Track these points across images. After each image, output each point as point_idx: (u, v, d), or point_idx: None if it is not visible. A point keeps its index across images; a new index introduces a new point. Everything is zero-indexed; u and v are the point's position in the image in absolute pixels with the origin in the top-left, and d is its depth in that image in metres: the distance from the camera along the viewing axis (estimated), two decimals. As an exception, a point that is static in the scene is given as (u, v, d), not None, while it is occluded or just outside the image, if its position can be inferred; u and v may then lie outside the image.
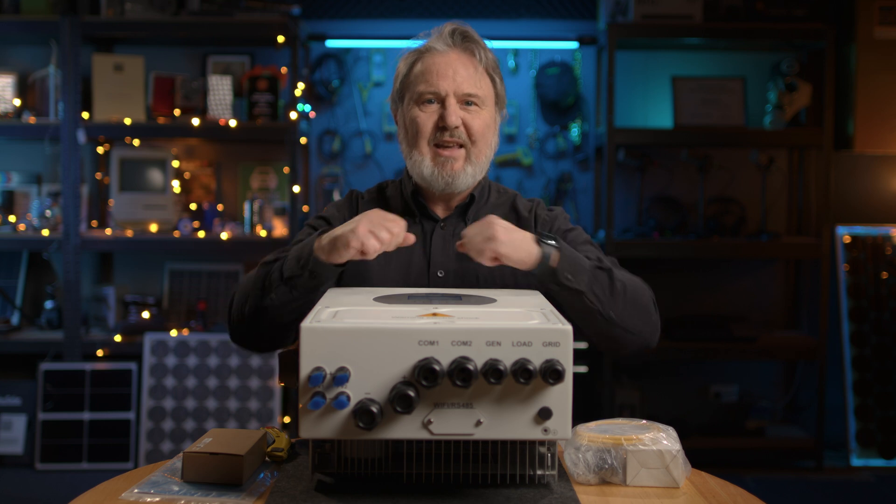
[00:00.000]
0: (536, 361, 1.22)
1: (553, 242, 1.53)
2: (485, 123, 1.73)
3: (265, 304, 1.60)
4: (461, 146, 1.72)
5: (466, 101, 1.72)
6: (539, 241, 1.53)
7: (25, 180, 4.17)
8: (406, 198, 1.80)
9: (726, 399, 4.19)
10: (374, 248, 1.48)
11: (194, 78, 4.06)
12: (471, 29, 1.76)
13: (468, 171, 1.73)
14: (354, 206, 1.84)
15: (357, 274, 1.73)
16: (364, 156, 4.25)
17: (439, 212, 1.79)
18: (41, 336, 3.97)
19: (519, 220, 1.80)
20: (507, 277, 1.72)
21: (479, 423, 1.23)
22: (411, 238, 1.55)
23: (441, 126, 1.70)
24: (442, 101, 1.71)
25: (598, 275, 1.57)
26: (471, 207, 1.79)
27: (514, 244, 1.51)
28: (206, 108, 3.94)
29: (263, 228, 3.99)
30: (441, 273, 1.73)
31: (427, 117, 1.71)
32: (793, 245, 3.98)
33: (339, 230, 1.52)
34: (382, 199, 1.84)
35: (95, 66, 3.94)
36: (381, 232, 1.49)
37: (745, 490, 1.41)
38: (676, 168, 4.21)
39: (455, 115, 1.70)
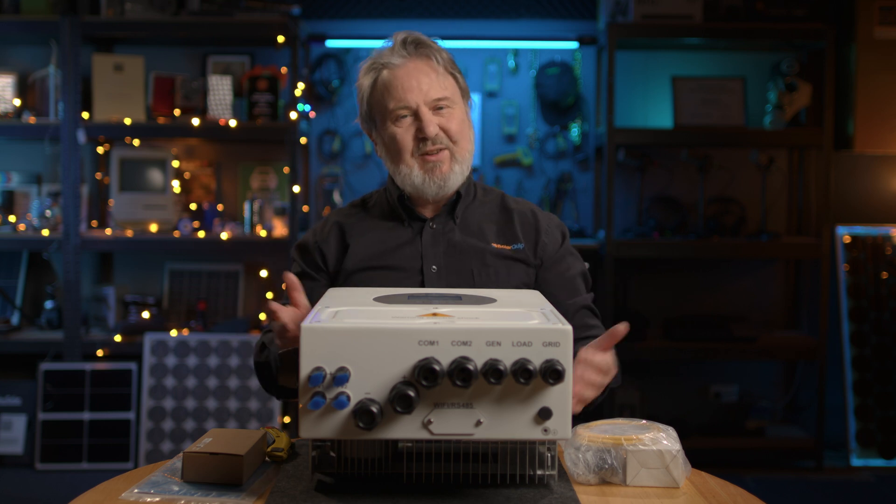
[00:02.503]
0: (536, 361, 1.22)
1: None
2: (460, 121, 1.76)
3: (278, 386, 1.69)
4: (444, 148, 1.75)
5: (437, 106, 1.74)
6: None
7: (25, 180, 4.17)
8: (392, 203, 1.83)
9: (726, 399, 4.19)
10: (278, 319, 1.48)
11: (194, 78, 4.06)
12: (420, 34, 1.78)
13: (456, 170, 1.76)
14: (331, 226, 1.84)
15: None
16: (364, 156, 4.25)
17: (427, 213, 1.82)
18: (41, 336, 3.97)
19: (511, 217, 1.83)
20: (501, 273, 1.74)
21: (479, 423, 1.23)
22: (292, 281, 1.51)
23: (421, 137, 1.73)
24: (415, 113, 1.73)
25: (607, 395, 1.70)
26: (458, 205, 1.82)
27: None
28: (206, 108, 3.94)
29: (263, 228, 3.99)
30: (434, 268, 1.76)
31: (405, 132, 1.74)
32: (793, 245, 3.97)
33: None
34: (364, 209, 1.87)
35: (95, 66, 3.94)
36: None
37: (745, 490, 1.41)
38: (676, 168, 4.21)
39: (432, 124, 1.72)
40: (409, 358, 1.22)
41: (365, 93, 1.78)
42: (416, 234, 1.79)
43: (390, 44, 1.77)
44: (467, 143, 1.78)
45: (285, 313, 1.48)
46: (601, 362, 1.50)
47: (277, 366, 1.60)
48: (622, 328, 1.46)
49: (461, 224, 1.81)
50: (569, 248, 1.85)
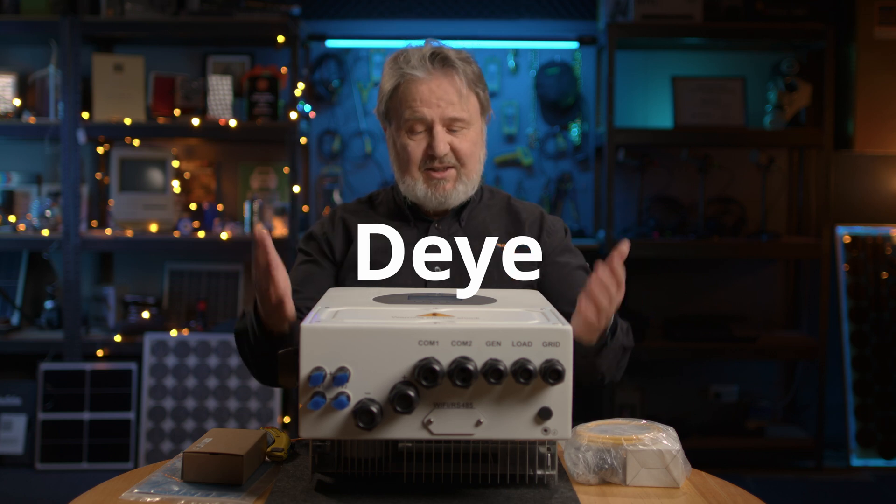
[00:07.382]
0: (536, 361, 1.22)
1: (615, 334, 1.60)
2: (472, 143, 1.77)
3: (255, 364, 1.66)
4: (451, 167, 1.76)
5: (452, 126, 1.75)
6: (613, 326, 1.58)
7: (25, 180, 4.17)
8: (399, 203, 1.84)
9: (726, 399, 4.19)
10: (263, 283, 1.49)
11: (194, 78, 4.06)
12: (448, 50, 1.77)
13: (459, 189, 1.78)
14: (338, 219, 1.86)
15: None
16: (364, 156, 4.25)
17: (432, 214, 1.83)
18: (41, 336, 3.97)
19: (518, 217, 1.85)
20: (504, 274, 1.74)
21: (479, 423, 1.23)
22: (263, 237, 1.53)
23: (430, 154, 1.74)
24: (429, 129, 1.74)
25: (622, 355, 1.66)
26: (465, 208, 1.83)
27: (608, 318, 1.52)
28: (206, 108, 3.94)
29: (263, 228, 3.99)
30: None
31: (416, 145, 1.75)
32: (793, 245, 3.97)
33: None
34: (370, 206, 1.88)
35: (95, 66, 3.94)
36: (254, 272, 1.51)
37: (745, 490, 1.41)
38: (676, 168, 4.21)
39: (443, 143, 1.73)
40: (409, 358, 1.22)
41: (385, 94, 1.79)
42: (422, 235, 1.80)
43: (421, 45, 1.77)
44: (476, 163, 1.79)
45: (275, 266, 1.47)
46: (604, 274, 1.43)
47: (254, 328, 1.56)
48: (625, 246, 1.42)
49: (466, 226, 1.82)
50: (569, 244, 1.87)
